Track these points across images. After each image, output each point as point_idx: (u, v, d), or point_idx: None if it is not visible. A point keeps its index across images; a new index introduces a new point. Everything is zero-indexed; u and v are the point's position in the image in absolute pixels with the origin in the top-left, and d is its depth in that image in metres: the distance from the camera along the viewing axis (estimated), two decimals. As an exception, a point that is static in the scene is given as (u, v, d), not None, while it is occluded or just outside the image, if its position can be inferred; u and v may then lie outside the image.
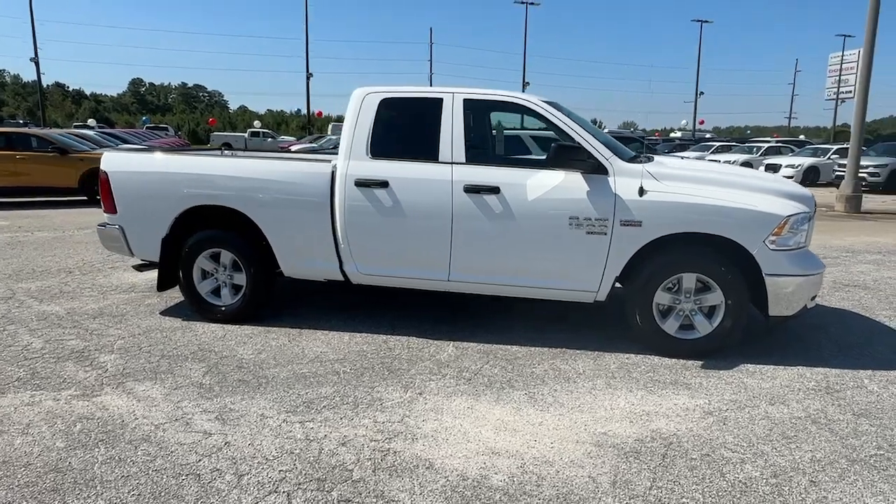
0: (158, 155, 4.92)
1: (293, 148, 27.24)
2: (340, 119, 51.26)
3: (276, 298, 5.25)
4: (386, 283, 4.51)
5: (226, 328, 4.58)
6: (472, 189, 4.13)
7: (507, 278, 4.27)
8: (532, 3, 44.99)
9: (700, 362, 4.00)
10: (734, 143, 28.91)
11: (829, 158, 21.26)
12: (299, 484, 2.58)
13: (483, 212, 4.14)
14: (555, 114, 4.21)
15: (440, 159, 4.24)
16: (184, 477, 2.63)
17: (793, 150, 24.93)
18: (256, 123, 42.90)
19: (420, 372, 3.82)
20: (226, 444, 2.91)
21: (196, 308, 4.76)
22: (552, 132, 4.29)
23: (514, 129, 6.53)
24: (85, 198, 12.32)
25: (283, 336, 4.44)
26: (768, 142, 29.48)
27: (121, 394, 3.45)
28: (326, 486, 2.58)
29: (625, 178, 4.00)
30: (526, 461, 2.80)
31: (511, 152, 6.07)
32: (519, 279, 4.25)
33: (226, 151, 6.29)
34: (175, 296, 5.35)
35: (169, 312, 4.97)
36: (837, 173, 18.00)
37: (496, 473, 2.69)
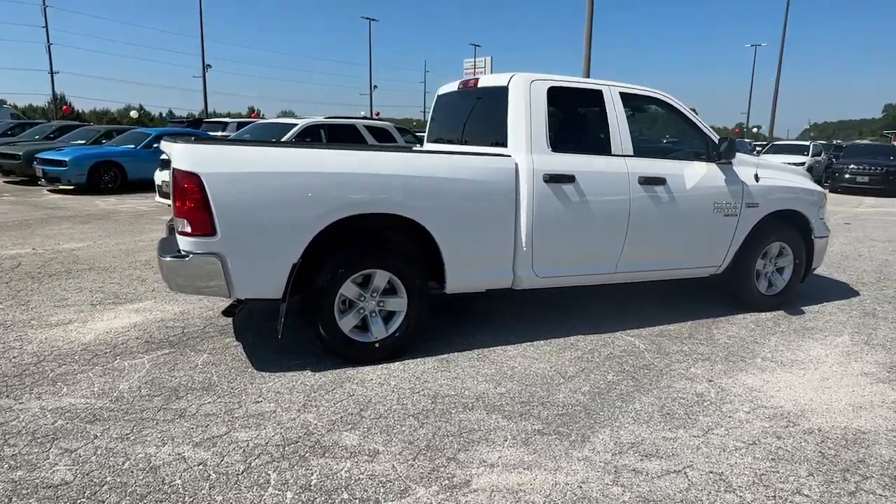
0: (291, 148, 3.50)
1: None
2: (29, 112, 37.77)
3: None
4: (556, 283, 4.24)
5: (393, 368, 3.63)
6: (645, 181, 4.25)
7: (657, 264, 4.53)
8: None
9: (781, 312, 5.04)
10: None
11: None
12: (827, 481, 2.58)
13: (654, 202, 4.30)
14: (691, 112, 4.61)
15: (613, 152, 4.21)
16: None
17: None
18: None
19: (664, 365, 3.85)
20: (713, 473, 2.60)
21: (339, 351, 3.61)
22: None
23: None
24: None
25: (472, 362, 3.78)
26: None
27: (498, 473, 2.59)
28: (847, 475, 2.64)
29: (743, 167, 4.71)
30: (881, 410, 3.31)
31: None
32: (666, 263, 4.56)
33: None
34: (209, 345, 3.86)
35: (266, 366, 3.59)
36: None
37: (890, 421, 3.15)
